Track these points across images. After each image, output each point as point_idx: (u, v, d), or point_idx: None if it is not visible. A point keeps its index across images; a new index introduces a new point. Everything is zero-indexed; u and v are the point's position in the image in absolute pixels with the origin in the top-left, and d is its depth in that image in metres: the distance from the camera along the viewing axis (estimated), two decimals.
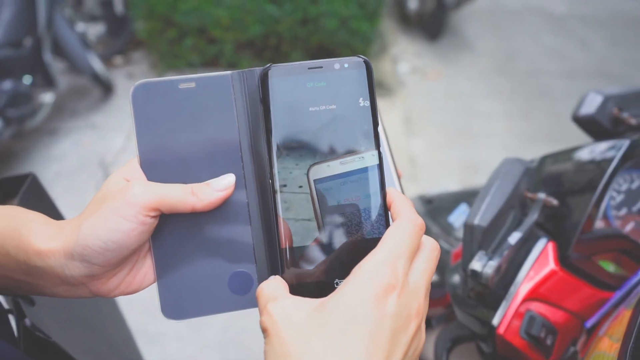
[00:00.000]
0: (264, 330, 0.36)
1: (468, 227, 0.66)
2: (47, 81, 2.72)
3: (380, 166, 0.41)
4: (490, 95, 3.60)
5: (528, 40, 4.42)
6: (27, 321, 0.48)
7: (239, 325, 1.92)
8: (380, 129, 0.44)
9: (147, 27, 3.51)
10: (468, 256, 0.66)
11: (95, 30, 3.58)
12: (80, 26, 3.25)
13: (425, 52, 4.15)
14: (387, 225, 0.40)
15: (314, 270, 0.39)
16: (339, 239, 0.40)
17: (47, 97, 2.72)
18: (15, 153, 2.83)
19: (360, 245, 0.40)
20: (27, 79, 2.61)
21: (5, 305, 0.51)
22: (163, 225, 0.42)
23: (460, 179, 2.79)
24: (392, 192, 0.41)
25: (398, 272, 0.35)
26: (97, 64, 3.09)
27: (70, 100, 3.32)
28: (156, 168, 0.42)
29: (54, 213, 0.66)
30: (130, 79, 3.57)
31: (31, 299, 0.53)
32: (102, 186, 0.41)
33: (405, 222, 0.38)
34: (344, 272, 0.37)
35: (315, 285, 0.39)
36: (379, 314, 0.34)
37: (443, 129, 3.23)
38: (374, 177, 0.41)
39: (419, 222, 0.38)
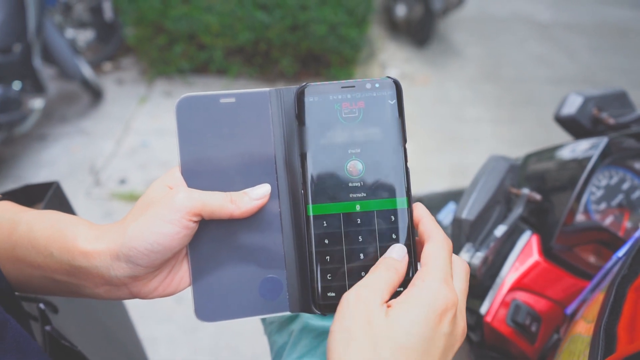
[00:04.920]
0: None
1: (456, 221, 0.69)
2: (37, 87, 2.72)
3: (408, 182, 0.43)
4: (478, 101, 3.66)
5: (514, 47, 4.50)
6: (48, 327, 0.49)
7: (233, 329, 1.92)
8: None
9: (137, 33, 3.52)
10: (456, 248, 0.69)
11: (84, 36, 3.58)
12: (70, 32, 3.25)
13: (414, 58, 4.21)
14: (410, 239, 0.42)
15: (341, 277, 0.42)
16: (366, 247, 0.42)
17: (36, 103, 2.72)
18: (4, 159, 2.81)
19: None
20: (16, 85, 2.61)
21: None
22: (200, 231, 0.44)
23: (449, 184, 2.83)
24: (419, 208, 0.42)
25: (455, 292, 0.37)
26: (86, 70, 3.09)
27: (60, 106, 3.32)
28: (196, 176, 0.44)
29: None
30: (119, 85, 3.58)
31: (55, 307, 0.54)
32: (145, 192, 0.44)
33: (443, 243, 0.40)
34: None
35: (341, 288, 0.42)
36: (437, 333, 0.36)
37: (432, 134, 3.27)
38: (401, 190, 0.42)
39: (450, 242, 0.40)
